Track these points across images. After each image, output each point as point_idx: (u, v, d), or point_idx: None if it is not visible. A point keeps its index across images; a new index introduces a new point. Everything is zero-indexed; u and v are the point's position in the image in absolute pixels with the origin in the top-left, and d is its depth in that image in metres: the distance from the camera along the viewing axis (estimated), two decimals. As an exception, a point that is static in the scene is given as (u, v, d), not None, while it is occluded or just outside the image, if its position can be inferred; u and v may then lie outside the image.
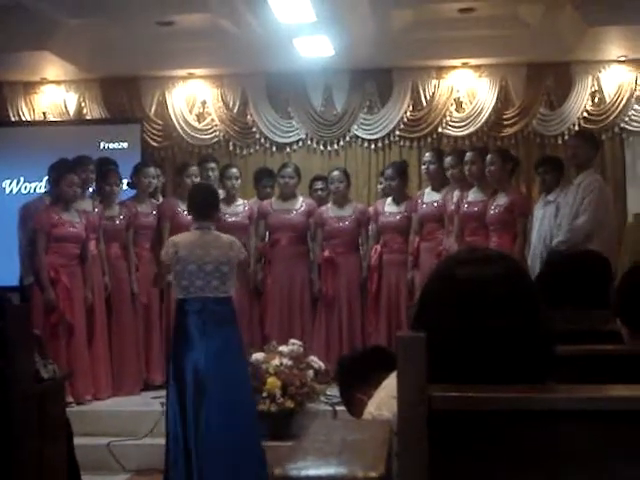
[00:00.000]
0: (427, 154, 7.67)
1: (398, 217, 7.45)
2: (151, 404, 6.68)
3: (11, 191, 8.95)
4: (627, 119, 8.74)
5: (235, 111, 9.18)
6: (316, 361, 6.38)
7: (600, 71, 8.77)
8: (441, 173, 7.35)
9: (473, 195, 7.02)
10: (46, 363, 4.49)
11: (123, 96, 9.22)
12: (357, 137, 9.14)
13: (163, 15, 7.90)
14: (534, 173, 7.84)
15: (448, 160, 7.30)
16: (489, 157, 6.92)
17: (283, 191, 7.70)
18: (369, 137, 9.10)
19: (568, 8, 7.63)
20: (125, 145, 8.94)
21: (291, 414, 6.05)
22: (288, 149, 9.19)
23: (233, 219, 7.43)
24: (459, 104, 9.00)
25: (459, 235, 6.99)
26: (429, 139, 8.99)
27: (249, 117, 9.16)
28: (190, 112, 9.23)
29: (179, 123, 9.18)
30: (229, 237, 5.53)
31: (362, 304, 7.52)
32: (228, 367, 5.22)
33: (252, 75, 9.01)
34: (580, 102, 8.76)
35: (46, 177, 7.45)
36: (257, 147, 9.21)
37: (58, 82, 9.27)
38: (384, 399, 1.86)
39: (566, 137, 8.53)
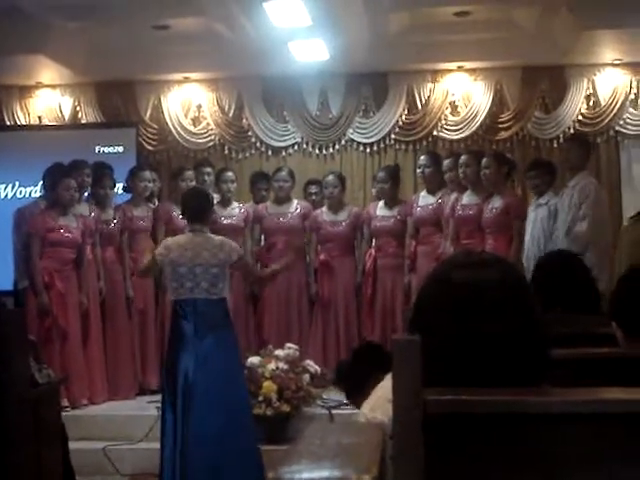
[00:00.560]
0: (422, 157, 7.66)
1: (392, 221, 7.45)
2: (146, 408, 6.67)
3: (6, 195, 8.95)
4: (622, 122, 8.76)
5: (230, 115, 9.18)
6: (312, 365, 6.38)
7: (595, 74, 8.79)
8: (436, 176, 7.35)
9: (468, 198, 7.02)
10: (41, 367, 4.49)
11: (118, 100, 9.23)
12: (353, 141, 9.15)
13: (158, 19, 7.91)
14: (524, 176, 7.84)
15: (446, 163, 7.30)
16: (484, 160, 6.92)
17: (278, 195, 7.70)
18: (365, 141, 9.12)
19: (563, 12, 7.65)
20: (120, 149, 8.93)
21: (287, 418, 6.04)
22: (284, 153, 9.20)
23: (228, 221, 7.43)
24: (454, 107, 9.02)
25: (454, 238, 6.99)
26: (424, 143, 9.00)
27: (245, 121, 9.17)
28: (185, 116, 9.23)
29: (174, 127, 9.18)
30: (220, 238, 5.52)
31: (358, 308, 7.52)
32: (220, 371, 5.21)
33: (247, 79, 9.02)
34: (575, 105, 8.78)
35: (41, 181, 7.44)
36: (253, 151, 9.23)
37: (53, 86, 9.27)
38: (378, 401, 1.86)
39: (561, 140, 8.56)
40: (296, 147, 9.21)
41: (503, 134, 8.91)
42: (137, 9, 7.52)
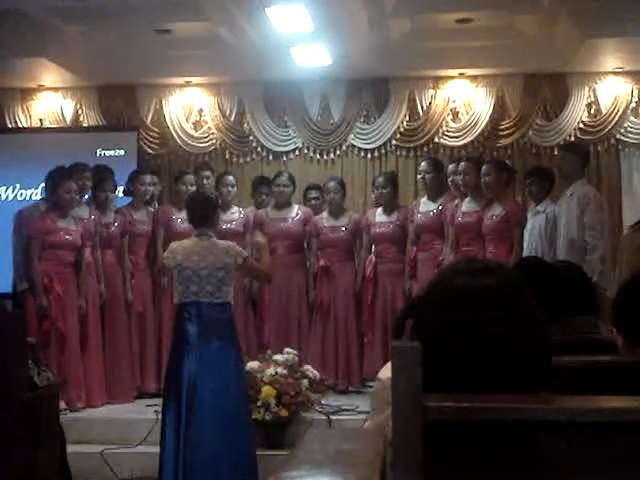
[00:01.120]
0: (423, 163, 7.63)
1: (391, 226, 7.44)
2: (145, 412, 6.66)
3: (7, 198, 8.95)
4: (623, 130, 8.77)
5: (232, 119, 9.19)
6: (311, 370, 6.37)
7: (596, 82, 8.80)
8: (437, 182, 7.34)
9: (467, 205, 7.01)
10: (40, 370, 4.49)
11: (120, 103, 9.24)
12: (353, 146, 9.16)
13: (161, 23, 7.92)
14: (523, 183, 7.84)
15: (450, 167, 7.31)
16: (485, 167, 6.92)
17: (278, 200, 7.69)
18: (365, 146, 9.12)
19: (565, 20, 7.66)
20: (122, 152, 8.94)
21: (285, 423, 6.04)
22: (284, 158, 9.20)
23: (227, 226, 7.40)
24: (455, 114, 9.03)
25: (454, 246, 6.99)
26: (425, 149, 9.01)
27: (246, 125, 9.18)
28: (187, 120, 9.24)
29: (176, 131, 9.19)
30: (226, 243, 5.58)
31: (358, 313, 7.51)
32: (222, 377, 5.22)
33: (249, 84, 9.03)
34: (576, 113, 8.79)
35: (42, 184, 7.45)
36: (253, 155, 9.23)
37: (55, 89, 9.28)
38: None
39: (562, 148, 8.56)
40: (297, 152, 9.22)
41: (504, 141, 8.92)
42: (140, 13, 7.53)
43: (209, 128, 9.22)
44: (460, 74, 8.91)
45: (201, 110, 9.26)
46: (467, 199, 7.03)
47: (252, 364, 6.21)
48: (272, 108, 9.17)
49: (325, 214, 7.66)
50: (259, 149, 9.20)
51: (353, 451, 1.39)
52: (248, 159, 9.24)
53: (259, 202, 8.01)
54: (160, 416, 5.40)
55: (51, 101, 9.34)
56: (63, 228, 6.88)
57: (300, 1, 6.69)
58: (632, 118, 8.77)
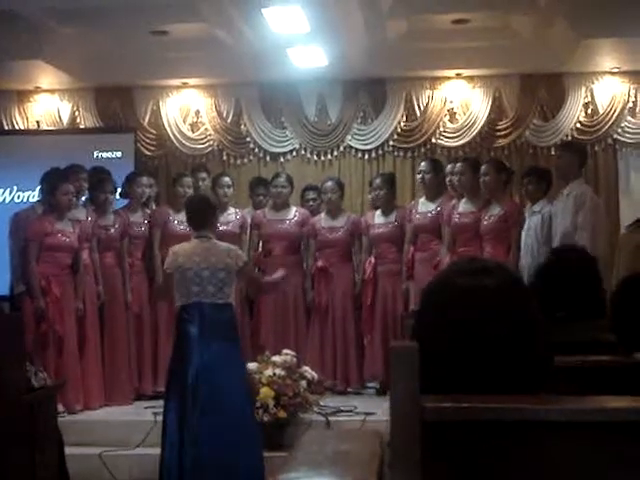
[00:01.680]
0: (423, 163, 7.62)
1: (389, 227, 7.44)
2: (143, 414, 6.65)
3: (4, 200, 8.94)
4: (620, 130, 8.77)
5: (229, 121, 9.19)
6: (309, 371, 6.37)
7: (593, 82, 8.80)
8: (437, 183, 7.34)
9: (464, 206, 7.01)
10: (37, 372, 4.48)
11: (117, 105, 9.23)
12: (351, 147, 9.16)
13: (157, 25, 7.92)
14: (520, 183, 7.83)
15: (449, 167, 7.31)
16: (483, 167, 6.92)
17: (276, 201, 7.69)
18: (363, 147, 9.12)
19: (561, 20, 7.66)
20: (119, 154, 8.94)
21: (284, 424, 6.03)
22: (282, 159, 9.20)
23: (224, 228, 7.38)
24: (452, 115, 9.03)
25: (450, 246, 6.99)
26: (423, 149, 9.01)
27: (243, 127, 9.18)
28: (184, 122, 9.24)
29: (173, 132, 9.19)
30: (227, 245, 5.60)
31: (356, 314, 7.51)
32: (224, 378, 5.21)
33: (246, 85, 9.02)
34: (573, 113, 8.79)
35: (39, 186, 7.44)
36: (251, 157, 9.23)
37: (52, 91, 9.27)
38: None
39: (560, 148, 8.55)
40: (294, 153, 9.21)
41: (501, 141, 8.92)
42: (136, 15, 7.51)
43: (206, 129, 9.22)
44: (457, 75, 8.92)
45: (198, 111, 9.26)
46: (464, 200, 7.03)
47: (250, 365, 6.20)
48: (269, 109, 9.17)
49: (323, 215, 7.65)
50: (256, 150, 9.20)
51: (351, 452, 1.38)
52: (245, 160, 9.24)
53: (257, 203, 8.00)
54: (159, 418, 5.39)
55: (48, 103, 9.33)
56: (60, 230, 6.86)
57: (297, 2, 6.69)
58: (629, 118, 8.78)
